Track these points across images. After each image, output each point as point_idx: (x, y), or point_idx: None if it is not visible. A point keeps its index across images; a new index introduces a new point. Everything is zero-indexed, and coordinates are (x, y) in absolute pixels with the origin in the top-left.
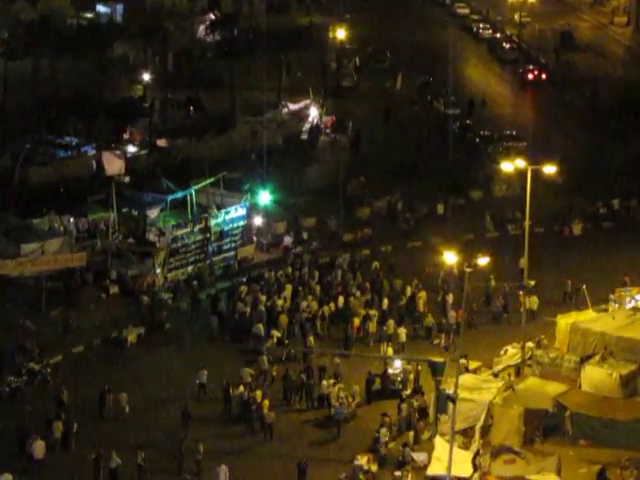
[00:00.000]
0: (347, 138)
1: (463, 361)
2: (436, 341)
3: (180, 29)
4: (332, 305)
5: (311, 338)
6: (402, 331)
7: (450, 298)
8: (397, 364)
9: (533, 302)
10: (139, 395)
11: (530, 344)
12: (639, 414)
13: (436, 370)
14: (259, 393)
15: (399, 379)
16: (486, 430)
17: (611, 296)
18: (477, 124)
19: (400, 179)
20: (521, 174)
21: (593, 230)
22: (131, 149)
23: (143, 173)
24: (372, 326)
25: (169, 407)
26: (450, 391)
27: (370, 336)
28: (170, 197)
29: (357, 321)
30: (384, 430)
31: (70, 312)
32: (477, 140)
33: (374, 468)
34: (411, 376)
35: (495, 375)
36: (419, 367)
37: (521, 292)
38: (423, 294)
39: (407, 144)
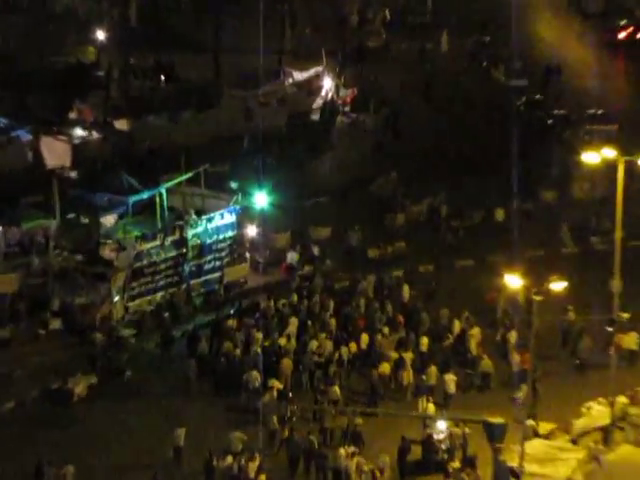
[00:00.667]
0: (375, 119)
1: (531, 422)
2: (519, 394)
3: None
4: (353, 346)
5: (336, 389)
6: (450, 378)
7: (513, 337)
8: (441, 426)
9: (629, 341)
10: (90, 467)
11: (623, 399)
12: None
13: (494, 434)
14: (253, 466)
15: (444, 447)
16: None
17: None
18: (550, 100)
19: (445, 175)
20: (610, 168)
21: None
22: (80, 133)
23: (96, 166)
24: (407, 374)
25: None
26: (513, 464)
27: (404, 388)
28: (133, 199)
29: (386, 367)
30: None
31: None
32: (550, 122)
33: None
34: (460, 442)
35: (574, 442)
36: (466, 429)
37: (610, 328)
38: (476, 331)
39: (454, 128)
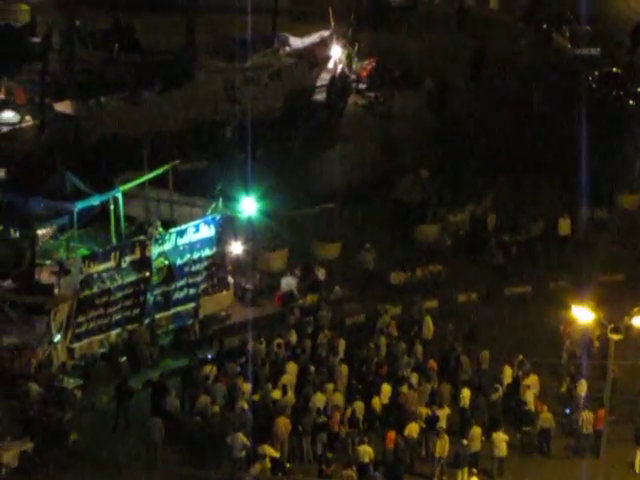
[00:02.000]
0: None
1: None
2: None
3: None
4: (375, 400)
5: (366, 448)
6: (500, 438)
7: (583, 387)
8: None
9: None
10: None
11: None
12: None
13: None
14: None
15: None
16: None
17: None
18: (632, 74)
19: (494, 174)
20: None
21: None
22: (9, 118)
23: (30, 162)
24: (441, 442)
25: None
26: None
27: (437, 459)
28: (79, 205)
29: (415, 429)
30: None
31: None
32: (631, 103)
33: None
34: None
35: None
36: None
37: None
38: (534, 379)
39: (506, 112)
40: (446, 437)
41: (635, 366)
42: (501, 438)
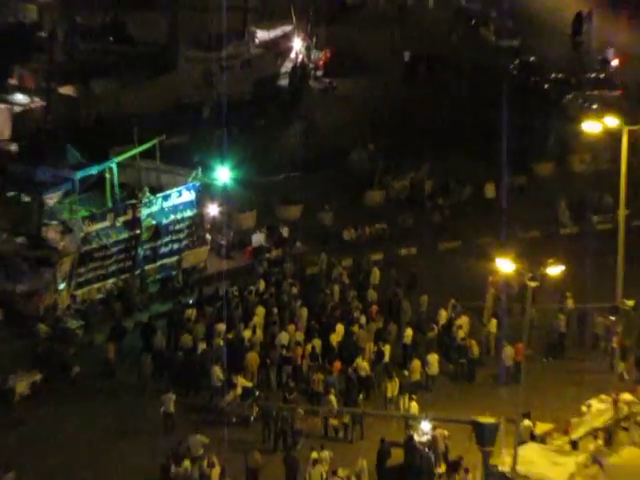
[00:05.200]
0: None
1: (526, 423)
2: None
3: None
4: (332, 337)
5: (332, 397)
6: (434, 358)
7: (493, 325)
8: (425, 427)
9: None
10: (34, 473)
11: (627, 396)
12: None
13: (484, 436)
14: (215, 472)
15: (427, 450)
16: None
17: None
18: (546, 62)
19: (430, 147)
20: (614, 139)
21: None
22: (20, 99)
23: (39, 137)
24: (392, 383)
25: None
26: (505, 469)
27: (390, 396)
28: (80, 174)
29: (364, 362)
30: None
31: None
32: (546, 86)
33: None
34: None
35: (574, 444)
36: (445, 432)
37: (613, 317)
38: (464, 320)
39: (439, 93)
40: (396, 380)
41: (548, 308)
42: (434, 359)
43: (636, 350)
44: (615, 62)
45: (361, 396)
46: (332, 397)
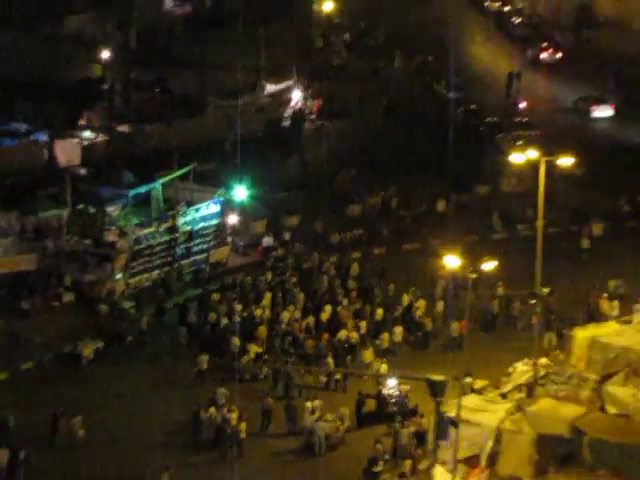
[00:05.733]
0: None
1: (468, 380)
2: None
3: (144, 0)
4: (322, 315)
5: (330, 360)
6: (399, 330)
7: (440, 305)
8: (392, 383)
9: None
10: (100, 418)
11: (544, 360)
12: None
13: (436, 390)
14: (235, 416)
15: (393, 400)
16: (493, 458)
17: (636, 306)
18: (484, 109)
19: (396, 172)
20: (534, 167)
21: (614, 230)
22: (88, 136)
23: (102, 164)
24: (367, 351)
25: (131, 433)
26: (452, 414)
27: (366, 362)
28: (132, 192)
29: (345, 333)
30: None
31: (17, 323)
32: (483, 128)
33: None
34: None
35: (504, 396)
36: (407, 387)
37: (533, 301)
38: (422, 303)
39: (404, 132)
40: (371, 349)
41: (484, 294)
42: (399, 330)
43: (557, 323)
44: (523, 104)
45: (349, 358)
46: (330, 359)
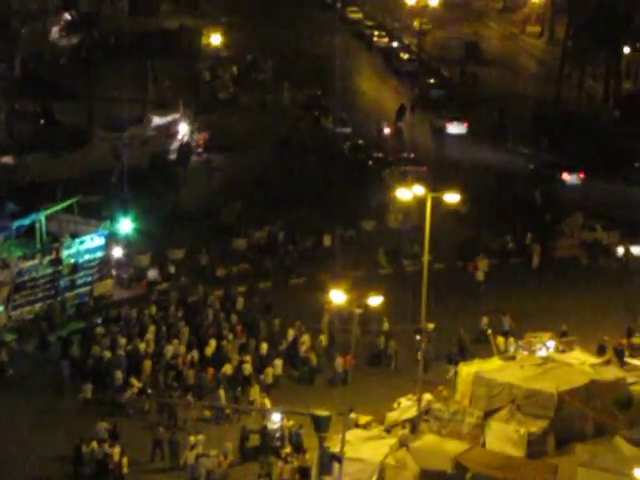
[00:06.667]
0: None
1: (352, 415)
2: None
3: (30, 30)
4: (207, 350)
5: (221, 392)
6: (279, 362)
7: (324, 340)
8: (276, 418)
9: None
10: None
11: (428, 396)
12: (548, 477)
13: (321, 425)
14: (117, 450)
15: (277, 435)
16: None
17: (519, 342)
18: (370, 145)
19: (282, 207)
20: (420, 203)
21: (499, 267)
22: None
23: None
24: (254, 389)
25: (12, 467)
26: (336, 450)
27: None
28: (16, 223)
29: (229, 368)
30: None
31: None
32: (370, 163)
33: None
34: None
35: (388, 431)
36: (291, 422)
37: (418, 336)
38: (307, 338)
39: (292, 166)
40: (257, 386)
41: (370, 329)
42: (279, 363)
43: (454, 354)
44: (387, 130)
45: (239, 389)
46: (221, 391)
